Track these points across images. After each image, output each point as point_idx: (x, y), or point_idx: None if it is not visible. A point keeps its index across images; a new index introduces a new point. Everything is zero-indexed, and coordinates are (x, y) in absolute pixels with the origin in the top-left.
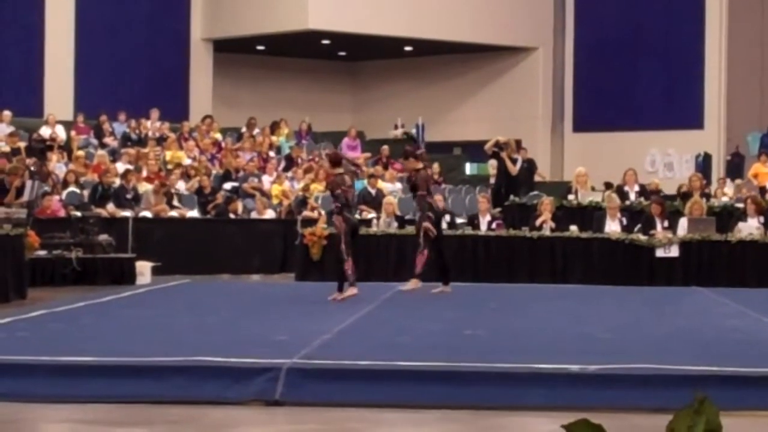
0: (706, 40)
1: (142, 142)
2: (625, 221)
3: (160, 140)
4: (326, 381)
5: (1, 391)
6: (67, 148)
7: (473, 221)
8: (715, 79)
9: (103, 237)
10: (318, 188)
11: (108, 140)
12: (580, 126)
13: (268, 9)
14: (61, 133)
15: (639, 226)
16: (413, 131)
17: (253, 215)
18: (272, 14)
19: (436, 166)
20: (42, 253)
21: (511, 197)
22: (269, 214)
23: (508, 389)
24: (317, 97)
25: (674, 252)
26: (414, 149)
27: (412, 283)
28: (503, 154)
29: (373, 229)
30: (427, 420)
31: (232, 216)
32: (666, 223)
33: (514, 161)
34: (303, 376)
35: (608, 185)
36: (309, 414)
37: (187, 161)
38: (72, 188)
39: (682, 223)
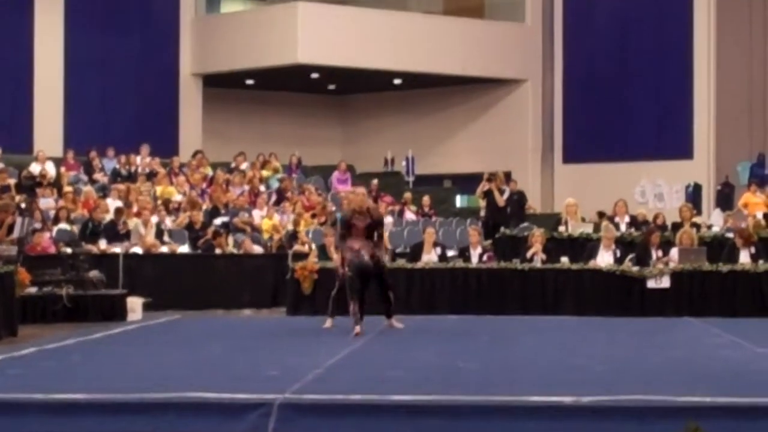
0: (694, 70)
1: (132, 177)
2: (618, 253)
3: (150, 175)
4: (319, 416)
5: None
6: (57, 184)
7: (464, 254)
8: (704, 109)
9: (94, 273)
10: (308, 222)
11: (98, 176)
12: (569, 157)
13: (257, 43)
14: (50, 169)
15: (632, 255)
16: (403, 163)
17: (241, 251)
18: (261, 49)
19: (426, 199)
20: (33, 290)
21: (502, 229)
22: (257, 249)
23: (501, 422)
24: (307, 131)
25: (665, 283)
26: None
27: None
28: (492, 186)
29: None
30: None
31: (220, 251)
32: (660, 253)
33: (502, 192)
34: (295, 412)
35: (602, 214)
36: None
37: (177, 196)
38: (62, 225)
39: (673, 254)
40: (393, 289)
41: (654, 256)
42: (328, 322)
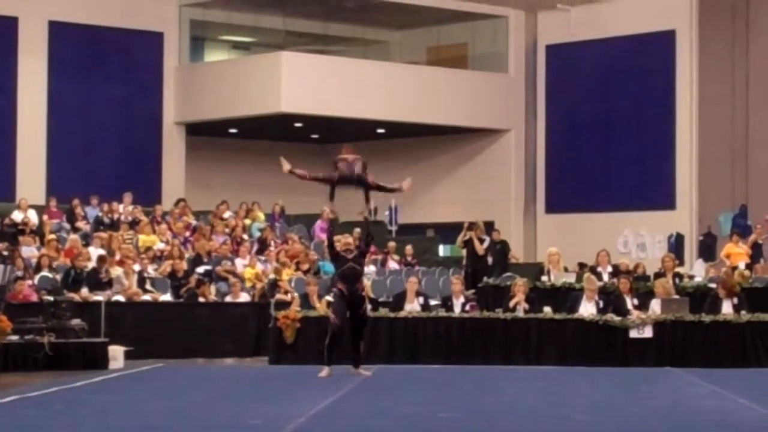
0: (676, 120)
1: (114, 225)
2: (602, 304)
3: (133, 224)
4: None
5: None
6: (39, 232)
7: (447, 303)
8: (686, 160)
9: (76, 321)
10: (291, 271)
11: (80, 224)
12: (552, 207)
13: (241, 92)
14: (33, 217)
15: (610, 307)
16: (386, 213)
17: (227, 299)
18: (245, 98)
19: (409, 248)
20: (14, 338)
21: (485, 278)
22: (244, 297)
23: None
24: (290, 180)
25: (648, 333)
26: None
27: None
28: (472, 235)
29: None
30: None
31: (202, 300)
32: (636, 301)
33: (482, 241)
34: None
35: (582, 265)
36: None
37: (160, 245)
38: (44, 273)
39: (653, 305)
40: (364, 339)
41: (629, 304)
42: (325, 371)
